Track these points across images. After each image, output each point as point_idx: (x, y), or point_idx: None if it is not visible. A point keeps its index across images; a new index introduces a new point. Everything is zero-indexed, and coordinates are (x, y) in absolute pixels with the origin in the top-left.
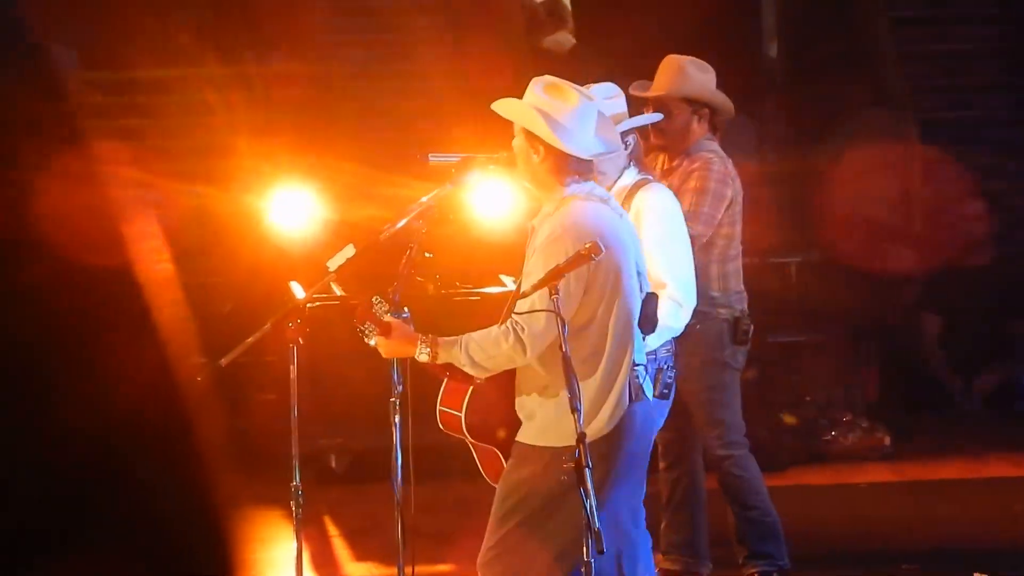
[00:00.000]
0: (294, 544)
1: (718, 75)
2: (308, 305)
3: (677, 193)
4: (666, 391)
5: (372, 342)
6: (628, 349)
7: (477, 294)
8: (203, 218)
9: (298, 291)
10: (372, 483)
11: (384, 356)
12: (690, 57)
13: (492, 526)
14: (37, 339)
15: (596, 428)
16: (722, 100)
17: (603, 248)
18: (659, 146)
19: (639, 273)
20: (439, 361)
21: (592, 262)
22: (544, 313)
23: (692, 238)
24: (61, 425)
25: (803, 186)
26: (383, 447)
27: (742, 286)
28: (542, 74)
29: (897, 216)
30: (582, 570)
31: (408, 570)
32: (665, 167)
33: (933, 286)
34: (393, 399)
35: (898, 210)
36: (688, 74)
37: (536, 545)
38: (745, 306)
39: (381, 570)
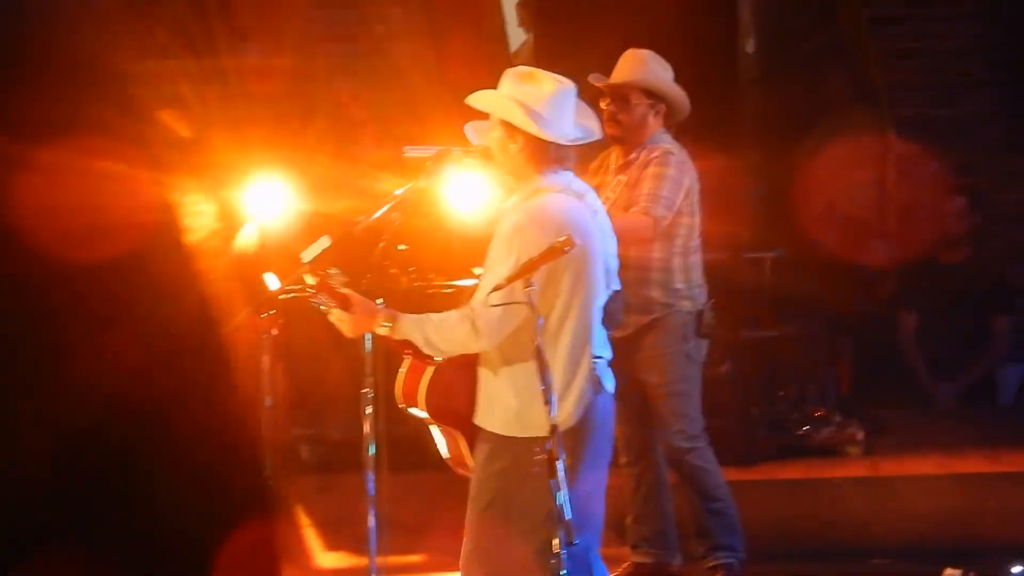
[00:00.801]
0: None
1: (695, 70)
2: (282, 296)
3: (635, 183)
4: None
5: (333, 317)
6: (589, 343)
7: (451, 286)
8: (179, 211)
9: (272, 282)
10: (344, 473)
11: (347, 334)
12: (651, 51)
13: (470, 523)
14: (15, 333)
15: (561, 420)
16: (680, 96)
17: (577, 242)
18: (615, 137)
19: (607, 270)
20: (397, 336)
21: (563, 255)
22: (501, 303)
23: (654, 220)
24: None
25: (778, 181)
26: (355, 438)
27: (703, 279)
28: (518, 67)
29: (872, 212)
30: (551, 561)
31: (380, 560)
32: (620, 162)
33: (910, 282)
34: (365, 390)
35: (873, 206)
36: (649, 66)
37: (516, 540)
38: (706, 299)
39: (353, 560)
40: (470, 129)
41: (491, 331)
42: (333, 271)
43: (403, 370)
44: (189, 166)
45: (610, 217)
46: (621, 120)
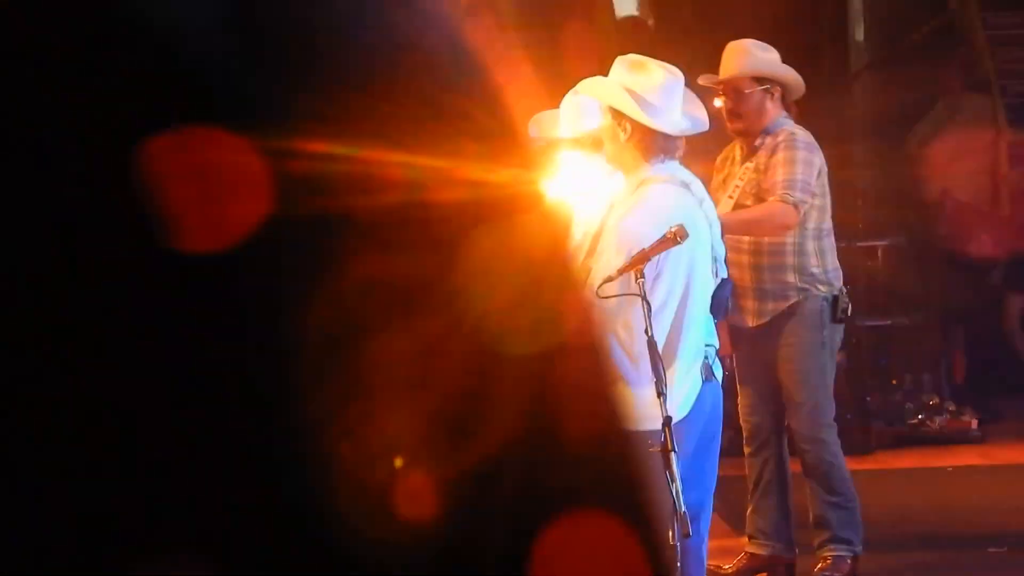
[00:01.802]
0: None
1: (806, 59)
2: None
3: (764, 169)
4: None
5: None
6: (700, 333)
7: None
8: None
9: None
10: None
11: None
12: (751, 39)
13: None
14: (323, 318)
15: (681, 409)
16: (791, 75)
17: (688, 232)
18: (738, 131)
19: (715, 259)
20: None
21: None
22: (612, 280)
23: (794, 206)
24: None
25: (890, 169)
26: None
27: (838, 263)
28: (629, 55)
29: (984, 199)
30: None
31: None
32: (744, 152)
33: (1018, 267)
34: None
35: (985, 193)
36: (753, 54)
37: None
38: (842, 283)
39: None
40: (705, 79)
41: (603, 319)
42: None
43: None
44: (521, 145)
45: (747, 208)
46: (740, 112)
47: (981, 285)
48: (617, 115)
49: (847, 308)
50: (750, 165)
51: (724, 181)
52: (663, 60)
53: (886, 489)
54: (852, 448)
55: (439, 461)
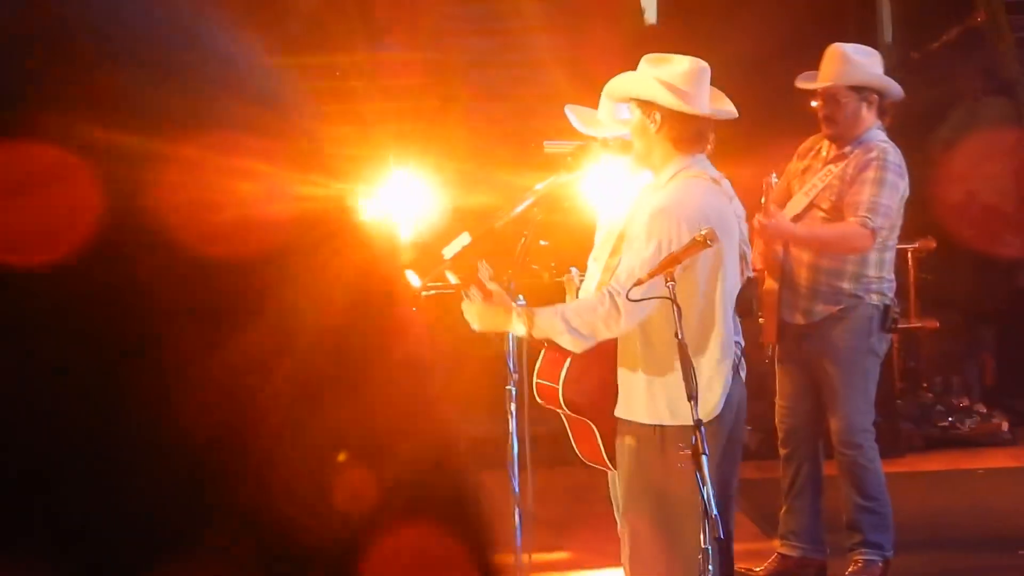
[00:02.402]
0: None
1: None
2: (423, 293)
3: (851, 182)
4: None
5: (467, 309)
6: (731, 333)
7: None
8: (316, 208)
9: (413, 279)
10: (488, 471)
11: (478, 327)
12: (853, 44)
13: (626, 518)
14: (157, 333)
15: (708, 410)
16: (889, 83)
17: (718, 236)
18: (830, 136)
19: (742, 256)
20: (536, 334)
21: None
22: (641, 284)
23: (873, 232)
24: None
25: (918, 172)
26: (499, 435)
27: (893, 274)
28: (651, 53)
29: (1010, 201)
30: (698, 556)
31: (525, 558)
32: (833, 154)
33: None
34: (509, 387)
35: (1011, 195)
36: (852, 61)
37: (669, 532)
38: (893, 294)
39: (499, 558)
40: (803, 80)
41: (633, 310)
42: (482, 263)
43: (539, 364)
44: (332, 163)
45: (827, 223)
46: (835, 119)
47: (1009, 287)
48: (646, 107)
49: (896, 319)
50: (834, 169)
51: (803, 172)
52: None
53: (916, 492)
54: (882, 451)
55: (269, 476)
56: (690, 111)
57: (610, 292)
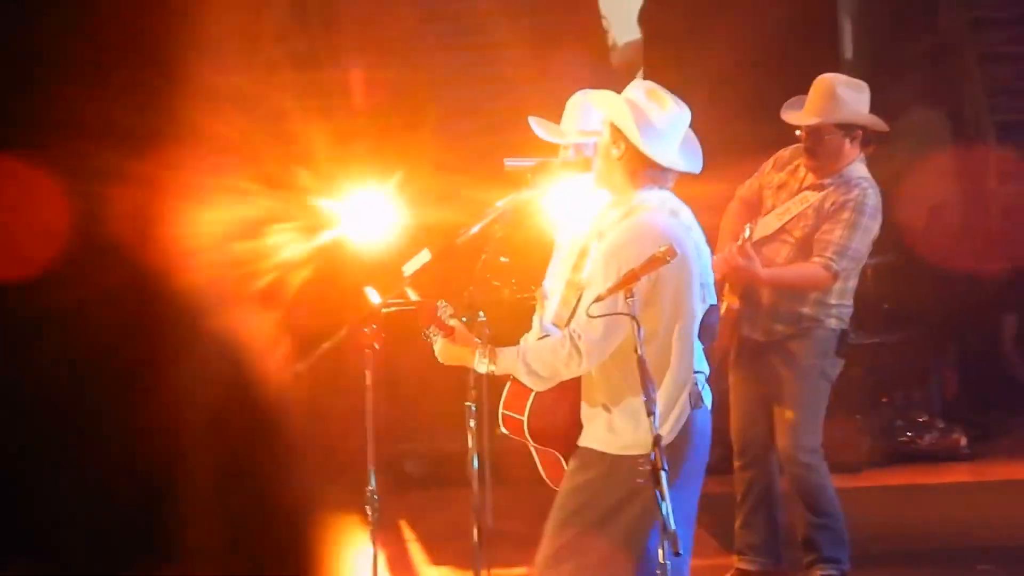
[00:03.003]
0: (370, 549)
1: (795, 76)
2: (383, 310)
3: (826, 218)
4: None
5: (438, 344)
6: (692, 360)
7: None
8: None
9: (373, 296)
10: (449, 488)
11: (442, 361)
12: (843, 78)
13: (551, 530)
14: (115, 342)
15: (671, 433)
16: (875, 122)
17: (676, 252)
18: (810, 167)
19: (703, 285)
20: (497, 371)
21: (665, 265)
22: (602, 321)
23: (836, 272)
24: (136, 423)
25: (881, 187)
26: (460, 452)
27: (852, 301)
28: (622, 78)
29: (973, 217)
30: (657, 572)
31: (485, 574)
32: (812, 181)
33: (1012, 286)
34: (469, 403)
35: (974, 211)
36: (840, 99)
37: (593, 553)
38: (849, 320)
39: (458, 574)
40: (788, 115)
41: (593, 351)
42: (441, 303)
43: (505, 395)
44: (293, 179)
45: (788, 267)
46: (817, 153)
47: (971, 302)
48: (615, 132)
49: (850, 344)
50: (810, 197)
51: (778, 188)
52: (655, 80)
53: (876, 506)
54: (842, 465)
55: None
56: (649, 155)
57: (571, 335)
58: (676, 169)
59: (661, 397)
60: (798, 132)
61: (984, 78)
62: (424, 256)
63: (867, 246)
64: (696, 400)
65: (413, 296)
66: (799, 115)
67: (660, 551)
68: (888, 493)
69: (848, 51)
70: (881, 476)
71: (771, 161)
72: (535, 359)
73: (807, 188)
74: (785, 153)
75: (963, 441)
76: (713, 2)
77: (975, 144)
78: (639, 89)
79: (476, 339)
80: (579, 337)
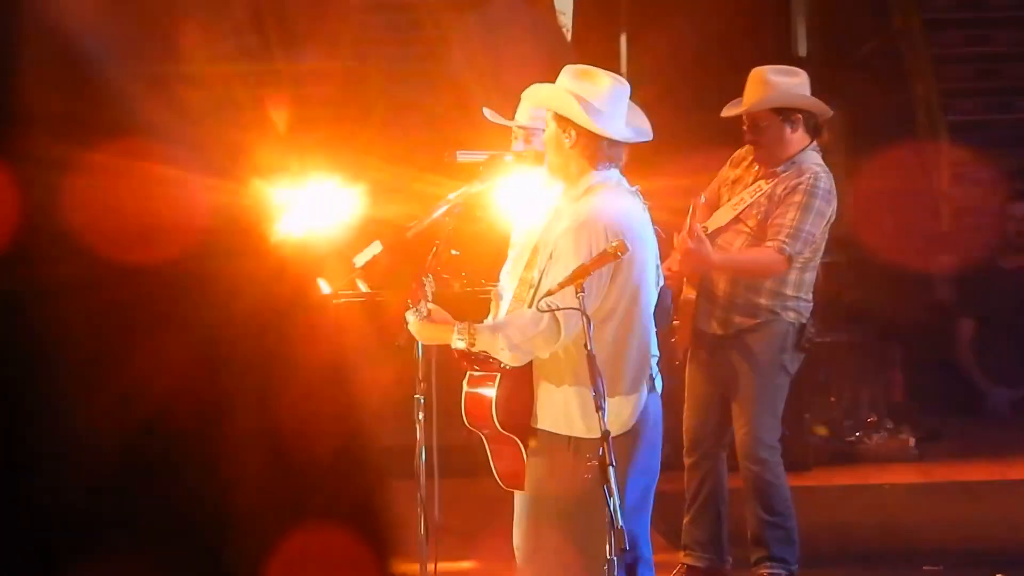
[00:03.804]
0: None
1: (745, 74)
2: (334, 301)
3: (779, 203)
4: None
5: (411, 326)
6: (649, 345)
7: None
8: (231, 215)
9: (324, 288)
10: (395, 480)
11: (420, 340)
12: (774, 66)
13: (526, 524)
14: (68, 336)
15: (623, 422)
16: (812, 102)
17: (629, 246)
18: (759, 158)
19: (656, 266)
20: (476, 348)
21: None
22: (552, 294)
23: (790, 257)
24: (88, 425)
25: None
26: (407, 444)
27: (812, 294)
28: (575, 65)
29: (925, 218)
30: (604, 568)
31: (431, 567)
32: (765, 170)
33: (969, 287)
34: (417, 396)
35: (926, 211)
36: (772, 84)
37: (577, 544)
38: (811, 314)
39: (404, 567)
40: (727, 110)
41: (570, 320)
42: (427, 279)
43: (467, 389)
44: (244, 171)
45: (742, 251)
46: (759, 143)
47: (922, 303)
48: (562, 121)
49: (812, 338)
50: (764, 186)
51: (734, 183)
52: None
53: (823, 506)
54: (789, 464)
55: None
56: (604, 134)
57: (551, 309)
58: (629, 141)
59: (620, 384)
60: (744, 128)
61: (937, 79)
62: (375, 247)
63: (821, 230)
64: (651, 384)
65: (363, 287)
66: (734, 108)
67: (607, 547)
68: (835, 493)
69: (801, 49)
70: (828, 475)
71: (727, 163)
72: (516, 333)
73: (761, 177)
74: (741, 151)
75: (911, 442)
76: None
77: (928, 145)
78: (570, 75)
79: (450, 317)
80: (556, 307)
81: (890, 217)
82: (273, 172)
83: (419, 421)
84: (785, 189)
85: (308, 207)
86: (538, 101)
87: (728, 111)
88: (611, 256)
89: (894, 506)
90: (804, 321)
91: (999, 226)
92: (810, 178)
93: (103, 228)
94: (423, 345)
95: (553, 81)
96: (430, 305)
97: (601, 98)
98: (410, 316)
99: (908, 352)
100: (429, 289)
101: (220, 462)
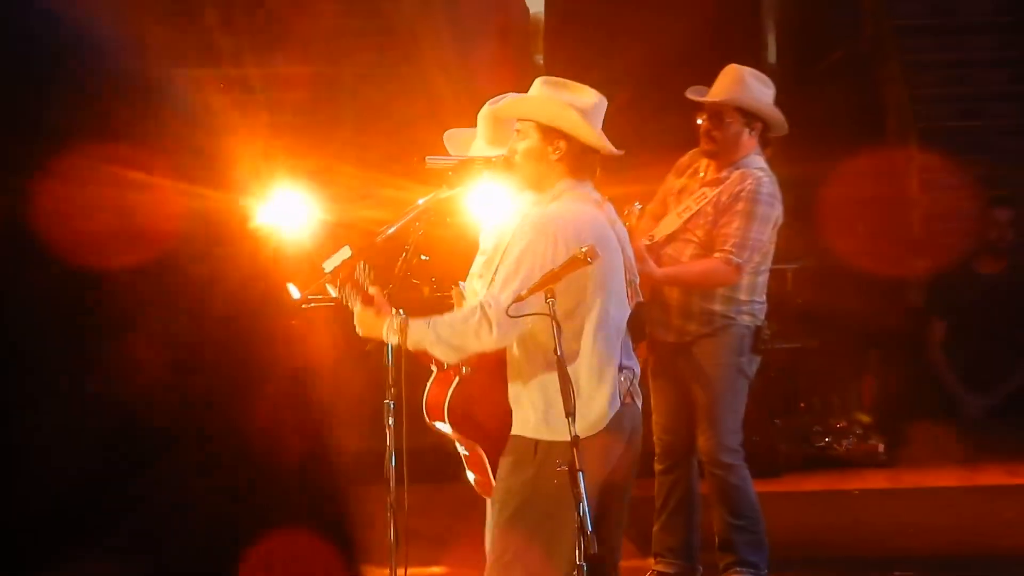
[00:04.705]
0: None
1: (714, 79)
2: (303, 306)
3: (724, 211)
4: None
5: (355, 309)
6: (617, 352)
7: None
8: (202, 220)
9: (294, 292)
10: (365, 485)
11: (360, 331)
12: (753, 70)
13: (497, 531)
14: (39, 340)
15: (586, 425)
16: (776, 116)
17: (599, 253)
18: (708, 153)
19: (630, 282)
20: (408, 343)
21: (562, 255)
22: (512, 296)
23: (739, 267)
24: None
25: (801, 192)
26: (377, 449)
27: (765, 297)
28: (550, 76)
29: (896, 223)
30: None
31: (401, 572)
32: (710, 176)
33: (942, 292)
34: (387, 400)
35: (896, 217)
36: (747, 84)
37: (544, 550)
38: (765, 316)
39: (374, 572)
40: (693, 92)
41: (501, 321)
42: (360, 264)
43: (429, 383)
44: (216, 175)
45: (690, 263)
46: (715, 137)
47: (893, 308)
48: (549, 134)
49: (767, 339)
50: (709, 193)
51: (679, 192)
52: (577, 76)
53: (793, 511)
54: (759, 470)
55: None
56: (603, 148)
57: (482, 304)
58: (613, 153)
59: (583, 386)
60: (699, 121)
61: (908, 85)
62: (344, 253)
63: (768, 235)
64: (625, 395)
65: (333, 292)
66: (704, 96)
67: (577, 552)
68: (805, 498)
69: (771, 55)
70: (799, 481)
71: (671, 172)
72: (445, 328)
73: (706, 184)
74: (684, 158)
75: (881, 447)
76: (632, 2)
77: (898, 150)
78: (551, 86)
79: (392, 310)
80: (489, 307)
81: (861, 223)
82: (244, 177)
83: (389, 426)
84: (730, 196)
85: (278, 212)
86: (525, 112)
87: (694, 95)
88: (581, 261)
89: (864, 512)
90: (759, 324)
91: (974, 231)
92: (752, 183)
93: (75, 232)
94: (392, 350)
95: (520, 87)
96: (372, 290)
97: (590, 109)
98: (354, 306)
99: (879, 357)
100: (362, 276)
101: (190, 466)
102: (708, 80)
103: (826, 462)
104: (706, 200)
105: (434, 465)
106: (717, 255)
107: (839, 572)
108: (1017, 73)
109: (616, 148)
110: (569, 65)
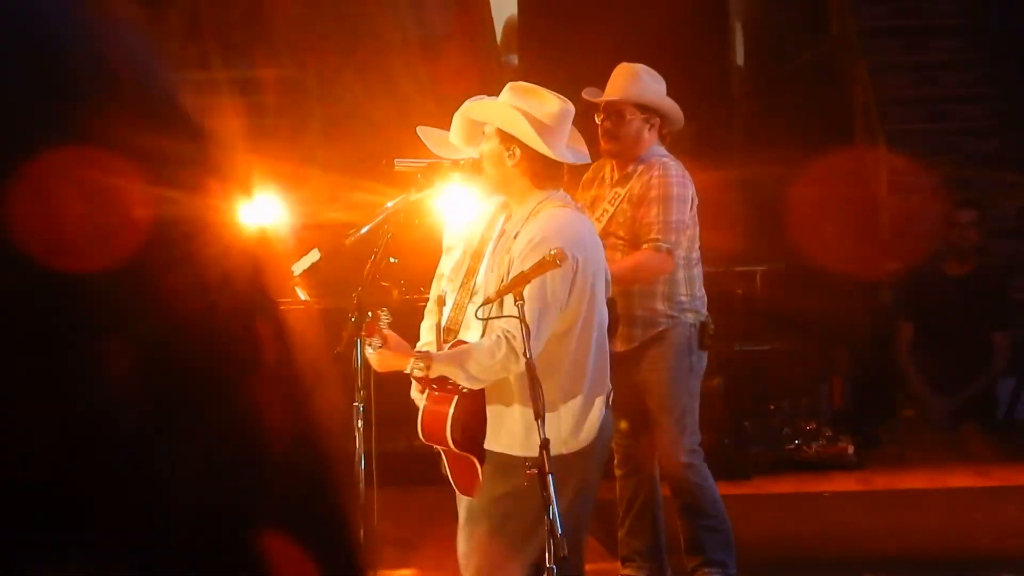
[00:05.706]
0: None
1: (686, 82)
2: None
3: (639, 203)
4: None
5: (369, 353)
6: (608, 359)
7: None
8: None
9: (301, 296)
10: None
11: (377, 368)
12: (643, 65)
13: (481, 540)
14: (5, 345)
15: (585, 437)
16: (673, 109)
17: (569, 255)
18: (611, 152)
19: (607, 283)
20: (432, 375)
21: (569, 268)
22: (531, 319)
23: (669, 252)
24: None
25: (769, 194)
26: (345, 452)
27: (704, 290)
28: (510, 80)
29: (864, 225)
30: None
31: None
32: (618, 176)
33: (910, 293)
34: (356, 404)
35: (864, 219)
36: (642, 81)
37: (522, 564)
38: (707, 310)
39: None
40: (589, 93)
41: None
42: (383, 312)
43: (425, 406)
44: (190, 178)
45: (623, 259)
46: (617, 135)
47: (862, 310)
48: (506, 139)
49: (712, 334)
50: (620, 191)
51: (592, 203)
52: (535, 82)
53: (762, 514)
54: (729, 472)
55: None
56: (549, 154)
57: (505, 336)
58: (568, 162)
59: (580, 399)
60: (599, 121)
61: (875, 88)
62: (313, 255)
63: (689, 216)
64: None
65: (302, 295)
66: (599, 96)
67: (547, 555)
68: (775, 501)
69: (739, 57)
70: (768, 484)
71: (579, 189)
72: (473, 364)
73: (616, 185)
74: (587, 175)
75: (850, 449)
76: (599, 3)
77: (866, 153)
78: (516, 93)
79: (407, 345)
80: (513, 337)
81: (829, 224)
82: (215, 180)
83: (358, 429)
84: (642, 186)
85: (249, 216)
86: (483, 115)
87: (591, 96)
88: (549, 264)
89: (833, 514)
90: (703, 319)
91: (940, 233)
92: (660, 170)
93: (43, 236)
94: (360, 353)
95: (487, 91)
96: (387, 332)
97: (548, 118)
98: (368, 350)
99: (848, 359)
100: (384, 322)
101: (162, 472)
102: (676, 82)
103: (796, 464)
104: (620, 199)
105: (403, 469)
106: (645, 246)
107: (809, 575)
108: (984, 75)
109: (586, 151)
110: (543, 65)
